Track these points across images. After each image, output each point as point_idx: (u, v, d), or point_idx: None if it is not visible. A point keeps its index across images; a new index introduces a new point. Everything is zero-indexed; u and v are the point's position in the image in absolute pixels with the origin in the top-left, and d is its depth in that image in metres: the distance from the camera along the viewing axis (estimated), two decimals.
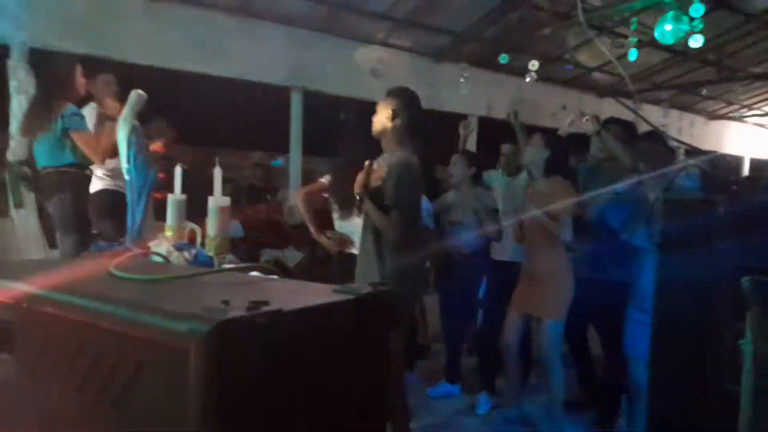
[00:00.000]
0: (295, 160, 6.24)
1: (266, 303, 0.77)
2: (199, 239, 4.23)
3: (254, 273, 2.02)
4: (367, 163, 2.36)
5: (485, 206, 3.56)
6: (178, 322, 0.74)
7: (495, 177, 4.05)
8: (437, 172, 4.91)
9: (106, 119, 3.01)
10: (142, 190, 1.72)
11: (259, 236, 5.84)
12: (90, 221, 2.95)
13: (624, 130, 3.39)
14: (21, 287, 0.97)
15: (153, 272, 1.10)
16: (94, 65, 3.63)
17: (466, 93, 7.19)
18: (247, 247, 5.51)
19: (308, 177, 6.71)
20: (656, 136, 3.51)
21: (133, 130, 1.71)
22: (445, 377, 3.75)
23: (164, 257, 1.32)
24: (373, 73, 6.37)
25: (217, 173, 1.61)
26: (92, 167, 3.34)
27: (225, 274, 1.12)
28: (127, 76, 3.90)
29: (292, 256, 5.64)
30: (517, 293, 3.14)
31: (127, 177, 1.73)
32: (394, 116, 2.50)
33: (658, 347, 2.10)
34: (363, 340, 0.94)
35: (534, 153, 3.13)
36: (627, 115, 5.43)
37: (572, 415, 3.29)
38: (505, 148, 4.28)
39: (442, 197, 3.90)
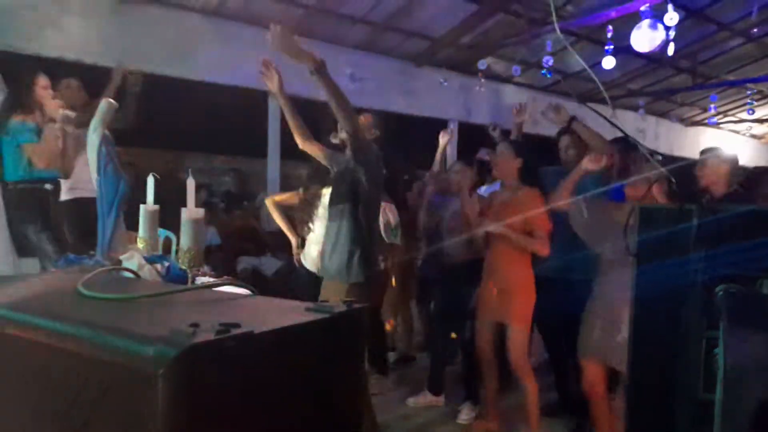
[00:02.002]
0: (272, 164, 6.18)
1: (237, 325, 0.75)
2: (174, 247, 4.17)
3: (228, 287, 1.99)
4: None
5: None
6: (144, 346, 0.71)
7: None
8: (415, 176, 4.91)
9: (48, 122, 2.98)
10: (113, 202, 1.67)
11: (236, 244, 5.77)
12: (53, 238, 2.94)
13: (579, 137, 3.44)
14: None
15: (122, 289, 1.06)
16: (62, 70, 3.55)
17: (444, 98, 7.22)
18: (223, 255, 5.44)
19: (286, 182, 6.68)
20: (626, 142, 3.56)
21: (103, 140, 1.67)
22: (428, 387, 3.73)
23: (135, 273, 1.28)
24: (352, 78, 6.36)
25: (190, 183, 1.57)
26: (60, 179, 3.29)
27: (197, 290, 1.09)
28: (98, 80, 3.83)
29: (270, 264, 5.58)
30: (482, 301, 3.15)
31: (97, 188, 1.69)
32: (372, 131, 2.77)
33: (634, 356, 2.11)
34: (336, 359, 0.92)
35: (504, 164, 3.13)
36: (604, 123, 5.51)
37: (551, 423, 3.31)
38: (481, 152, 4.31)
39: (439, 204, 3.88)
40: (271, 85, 2.77)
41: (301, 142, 2.90)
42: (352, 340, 0.93)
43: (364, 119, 2.83)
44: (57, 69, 3.53)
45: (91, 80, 3.92)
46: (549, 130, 8.47)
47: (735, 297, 1.64)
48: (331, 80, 2.30)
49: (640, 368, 2.18)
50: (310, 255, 3.64)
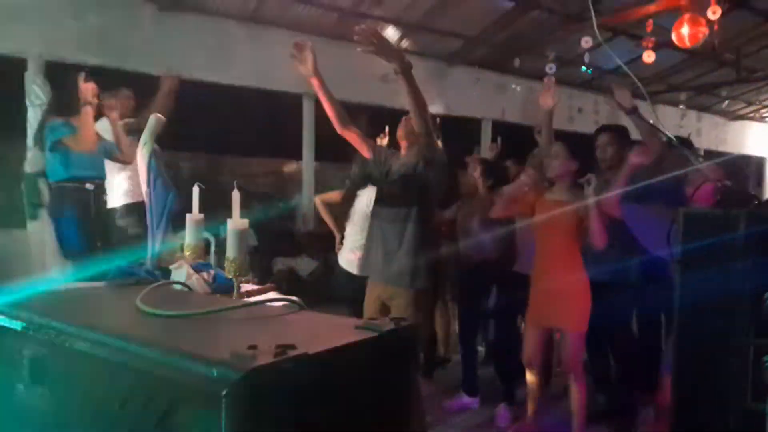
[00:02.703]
0: (308, 166, 6.26)
1: (293, 346, 0.78)
2: (212, 248, 4.26)
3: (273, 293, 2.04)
4: None
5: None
6: (209, 368, 0.75)
7: None
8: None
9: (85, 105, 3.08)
10: (163, 213, 1.74)
11: (272, 245, 5.87)
12: (96, 241, 3.03)
13: (617, 135, 3.36)
14: (52, 322, 0.98)
15: (178, 305, 1.11)
16: (108, 77, 3.66)
17: (478, 96, 7.17)
18: (260, 256, 5.54)
19: (322, 183, 6.74)
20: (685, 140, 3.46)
21: (152, 154, 1.73)
22: (463, 389, 3.73)
23: (186, 285, 1.33)
24: (384, 79, 6.38)
25: (235, 196, 1.62)
26: (107, 181, 3.40)
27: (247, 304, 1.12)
28: (138, 86, 3.95)
29: (306, 265, 5.66)
30: (534, 308, 3.06)
31: (147, 200, 1.75)
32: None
33: (681, 363, 2.08)
34: (386, 377, 0.94)
35: (560, 163, 3.04)
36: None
37: (592, 426, 3.27)
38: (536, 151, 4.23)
39: (462, 203, 3.88)
40: (305, 68, 2.58)
41: (339, 128, 2.77)
42: (401, 358, 0.95)
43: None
44: (100, 76, 3.65)
45: (132, 87, 4.03)
46: (584, 127, 8.35)
47: None
48: (414, 81, 2.30)
49: (685, 375, 2.14)
50: (344, 254, 3.69)
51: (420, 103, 2.33)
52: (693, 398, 2.04)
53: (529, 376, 3.17)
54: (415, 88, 2.29)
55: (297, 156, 6.29)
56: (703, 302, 2.00)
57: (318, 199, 4.02)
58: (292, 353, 0.76)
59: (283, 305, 1.09)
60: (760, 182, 10.91)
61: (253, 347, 0.76)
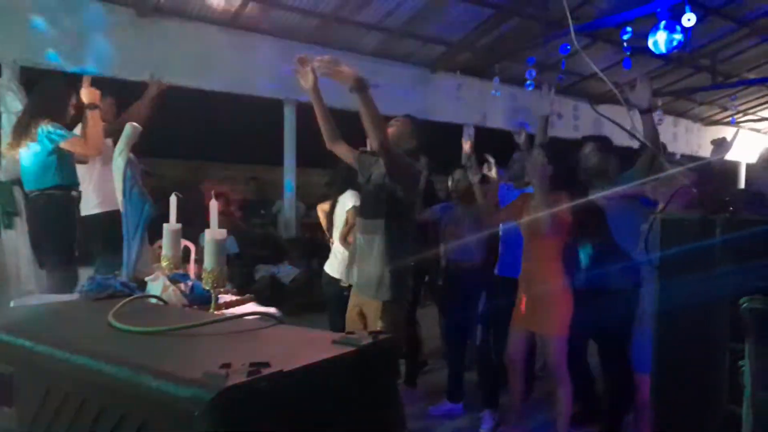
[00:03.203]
0: (289, 172, 6.23)
1: (267, 364, 0.76)
2: (193, 256, 4.21)
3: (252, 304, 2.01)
4: None
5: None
6: (181, 388, 0.73)
7: (504, 190, 4.02)
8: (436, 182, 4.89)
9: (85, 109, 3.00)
10: (139, 224, 1.71)
11: (254, 252, 5.82)
12: (74, 251, 2.96)
13: (601, 144, 3.40)
14: (20, 341, 0.95)
15: (152, 320, 1.08)
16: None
17: (460, 103, 7.21)
18: (241, 263, 5.50)
19: (303, 189, 6.71)
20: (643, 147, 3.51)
21: (128, 163, 1.70)
22: (447, 395, 3.72)
23: (160, 299, 1.31)
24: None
25: (213, 205, 1.60)
26: (82, 188, 3.33)
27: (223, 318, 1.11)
28: (118, 92, 3.89)
29: (287, 272, 5.62)
30: (517, 310, 3.10)
31: (122, 210, 1.72)
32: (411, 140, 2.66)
33: (660, 366, 2.09)
34: (365, 391, 0.93)
35: (538, 168, 3.06)
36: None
37: (576, 430, 3.28)
38: (515, 156, 4.26)
39: (444, 209, 3.88)
40: (305, 82, 2.65)
41: (329, 143, 2.82)
42: (380, 371, 0.94)
43: (401, 125, 2.68)
44: (77, 82, 3.59)
45: (112, 93, 3.98)
46: (564, 132, 8.44)
47: (760, 314, 1.62)
48: (368, 100, 2.30)
49: (664, 380, 2.16)
50: (330, 260, 3.67)
51: (375, 122, 2.33)
52: (672, 402, 2.06)
53: (512, 380, 3.19)
54: (369, 107, 2.29)
55: (278, 162, 6.26)
56: (681, 307, 2.02)
57: (319, 208, 4.01)
58: (266, 371, 0.75)
59: (261, 319, 1.07)
60: (734, 186, 11.10)
61: (226, 366, 0.75)
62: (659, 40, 5.02)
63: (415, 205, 2.71)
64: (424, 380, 4.18)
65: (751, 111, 10.40)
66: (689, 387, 2.02)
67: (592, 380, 3.46)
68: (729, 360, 1.95)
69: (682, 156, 10.20)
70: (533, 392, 3.65)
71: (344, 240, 3.58)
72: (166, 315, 1.17)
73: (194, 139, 6.41)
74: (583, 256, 3.33)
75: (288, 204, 6.30)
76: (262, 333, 0.99)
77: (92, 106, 2.97)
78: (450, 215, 3.77)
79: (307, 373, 0.81)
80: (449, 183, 3.88)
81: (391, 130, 2.61)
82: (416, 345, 4.18)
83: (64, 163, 3.08)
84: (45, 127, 2.95)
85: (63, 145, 2.92)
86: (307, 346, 0.93)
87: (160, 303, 1.27)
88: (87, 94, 2.98)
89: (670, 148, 9.93)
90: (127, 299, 1.13)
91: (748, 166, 11.60)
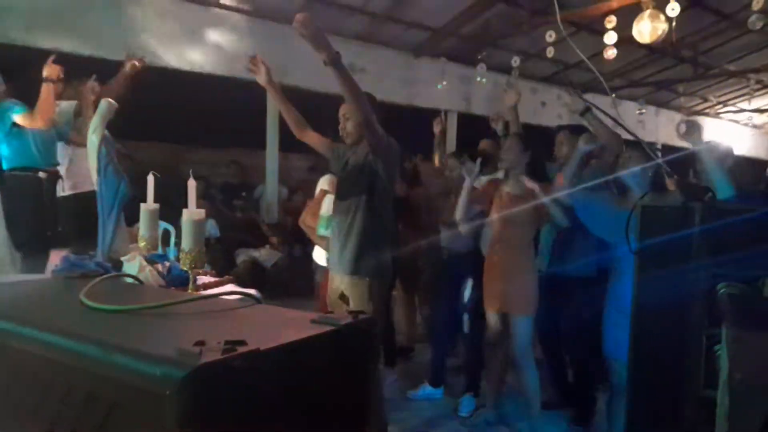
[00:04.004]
0: (272, 156, 6.16)
1: (242, 342, 0.74)
2: (173, 239, 4.14)
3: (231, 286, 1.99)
4: None
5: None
6: (152, 366, 0.71)
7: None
8: (418, 164, 4.87)
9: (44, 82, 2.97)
10: (114, 203, 1.66)
11: (235, 236, 5.77)
12: (48, 232, 2.92)
13: (573, 133, 3.43)
14: None
15: (126, 299, 1.06)
16: (63, 61, 3.50)
17: (444, 88, 7.18)
18: (222, 247, 5.44)
19: (285, 174, 6.66)
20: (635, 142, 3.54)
21: (103, 141, 1.65)
22: (428, 379, 3.74)
23: (136, 278, 1.28)
24: (351, 68, 6.32)
25: (191, 185, 1.56)
26: (60, 168, 3.26)
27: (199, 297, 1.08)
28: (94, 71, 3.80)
29: (269, 256, 5.58)
30: (487, 292, 3.15)
31: (97, 189, 1.67)
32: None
33: (637, 352, 2.11)
34: (345, 370, 0.92)
35: (513, 157, 3.10)
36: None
37: (549, 415, 3.33)
38: (484, 144, 4.27)
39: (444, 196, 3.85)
40: (260, 78, 2.77)
41: (297, 133, 2.85)
42: (360, 351, 0.93)
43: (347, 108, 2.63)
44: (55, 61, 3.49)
45: (89, 71, 3.88)
46: (548, 120, 8.46)
47: (737, 299, 1.64)
48: (346, 71, 2.26)
49: (641, 365, 2.19)
50: (317, 249, 3.65)
51: (354, 93, 2.30)
52: (649, 387, 2.08)
53: (489, 363, 3.23)
54: (347, 78, 2.26)
55: (261, 146, 6.18)
56: (659, 293, 2.04)
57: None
58: (241, 350, 0.73)
59: (239, 299, 1.05)
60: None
61: (200, 343, 0.73)
62: (643, 29, 5.03)
63: (394, 181, 2.71)
64: (407, 364, 4.22)
65: (731, 102, 10.54)
66: (665, 372, 2.04)
67: (564, 365, 3.51)
68: (705, 345, 1.98)
69: (663, 146, 10.33)
70: (509, 375, 3.68)
71: (303, 222, 3.53)
72: (140, 294, 1.14)
73: (174, 121, 6.30)
74: (546, 241, 3.37)
75: (270, 188, 6.24)
76: (240, 312, 0.97)
77: (47, 80, 2.94)
78: (447, 203, 3.76)
79: (285, 353, 0.79)
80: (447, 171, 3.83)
81: (349, 125, 2.60)
82: (391, 326, 4.20)
83: (27, 141, 3.03)
84: (5, 104, 2.91)
85: (17, 119, 2.89)
86: (286, 325, 0.91)
87: (136, 282, 1.24)
88: (47, 69, 2.94)
89: (651, 138, 10.04)
90: (101, 277, 1.10)
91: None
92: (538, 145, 3.65)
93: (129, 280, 1.26)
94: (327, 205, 3.38)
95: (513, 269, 3.03)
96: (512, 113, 3.87)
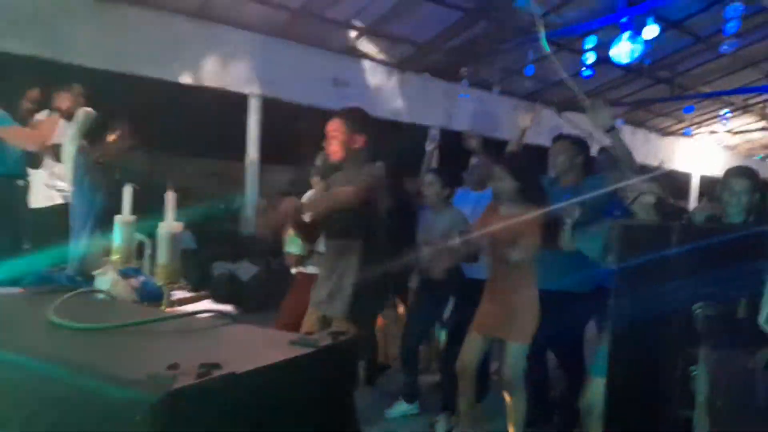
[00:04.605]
0: (252, 167, 6.11)
1: (218, 366, 0.72)
2: (148, 251, 4.06)
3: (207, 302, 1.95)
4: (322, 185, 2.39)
5: (457, 228, 3.52)
6: (122, 390, 0.68)
7: (462, 194, 4.02)
8: (406, 183, 4.85)
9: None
10: (88, 216, 1.62)
11: (212, 248, 5.68)
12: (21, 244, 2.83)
13: (572, 144, 3.44)
14: None
15: (97, 316, 1.02)
16: (42, 69, 3.44)
17: (427, 104, 7.23)
18: (199, 259, 5.35)
19: (266, 186, 6.60)
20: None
21: (80, 151, 1.61)
22: (402, 396, 3.70)
23: (108, 294, 1.24)
24: (335, 82, 6.33)
25: (170, 197, 1.53)
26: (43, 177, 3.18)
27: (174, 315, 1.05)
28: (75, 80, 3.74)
29: (247, 269, 5.51)
30: (481, 314, 3.08)
31: (72, 200, 1.63)
32: (355, 136, 2.50)
33: (615, 371, 2.12)
34: (323, 393, 0.89)
35: (502, 186, 3.07)
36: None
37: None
38: (474, 161, 4.28)
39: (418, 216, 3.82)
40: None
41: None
42: (338, 373, 0.91)
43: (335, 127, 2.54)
44: (31, 68, 3.43)
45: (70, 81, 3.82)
46: (533, 137, 8.54)
47: (713, 320, 1.66)
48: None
49: (619, 384, 2.20)
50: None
51: (334, 204, 2.38)
52: (626, 406, 2.09)
53: (463, 384, 3.17)
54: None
55: (241, 157, 6.13)
56: (637, 312, 2.05)
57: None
58: (216, 373, 0.70)
59: (215, 317, 1.02)
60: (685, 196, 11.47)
61: (173, 366, 0.70)
62: (621, 51, 5.14)
63: (384, 220, 2.65)
64: (384, 380, 4.17)
65: (705, 123, 10.78)
66: (641, 391, 2.05)
67: (548, 383, 3.50)
68: (681, 365, 2.00)
69: (642, 166, 10.50)
70: (487, 395, 3.66)
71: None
72: (112, 311, 1.11)
73: (154, 131, 6.22)
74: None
75: (250, 200, 6.19)
76: (216, 332, 0.94)
77: (58, 110, 2.85)
78: (422, 221, 3.73)
79: (261, 375, 0.77)
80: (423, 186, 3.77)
81: (333, 143, 2.51)
82: (375, 346, 4.16)
83: (7, 149, 2.94)
84: None
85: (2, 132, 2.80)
86: (263, 346, 0.88)
87: (107, 298, 1.20)
88: (60, 99, 2.85)
89: None
90: (72, 293, 1.06)
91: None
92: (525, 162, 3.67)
93: (101, 295, 1.22)
94: None
95: (512, 295, 2.97)
96: (520, 134, 3.93)
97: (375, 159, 2.58)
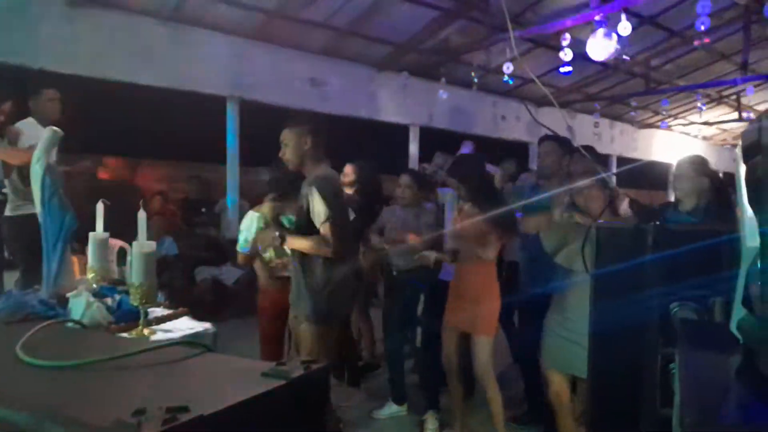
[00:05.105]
0: (232, 171, 6.07)
1: (185, 409, 0.71)
2: (129, 258, 4.00)
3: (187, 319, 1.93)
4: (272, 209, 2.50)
5: (424, 224, 3.57)
6: None
7: (445, 193, 4.05)
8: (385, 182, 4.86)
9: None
10: (59, 236, 1.59)
11: (195, 253, 5.63)
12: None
13: (560, 145, 3.50)
14: None
15: (66, 348, 1.00)
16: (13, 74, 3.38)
17: (406, 103, 7.23)
18: (181, 265, 5.31)
19: (247, 189, 6.55)
20: (590, 148, 3.63)
21: (47, 171, 1.58)
22: (391, 398, 3.72)
23: (79, 323, 1.22)
24: (313, 83, 6.30)
25: (142, 216, 1.51)
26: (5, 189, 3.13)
27: (149, 347, 1.03)
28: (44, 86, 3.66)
29: (230, 273, 5.47)
30: (449, 310, 3.18)
31: (41, 221, 1.60)
32: (306, 140, 2.59)
33: (596, 372, 2.14)
34: (296, 425, 0.89)
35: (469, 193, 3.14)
36: (559, 126, 5.50)
37: (517, 429, 3.36)
38: (439, 159, 4.32)
39: (387, 212, 3.86)
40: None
41: None
42: (313, 402, 0.90)
43: (289, 133, 2.63)
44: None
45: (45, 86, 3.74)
46: (507, 133, 8.59)
47: (690, 322, 1.68)
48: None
49: (600, 384, 2.22)
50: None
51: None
52: (608, 407, 2.11)
53: (450, 381, 3.23)
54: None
55: (221, 160, 6.08)
56: (615, 313, 2.07)
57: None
58: (183, 418, 0.69)
59: (186, 348, 1.00)
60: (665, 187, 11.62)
61: (139, 412, 0.69)
62: (596, 47, 5.18)
63: (347, 223, 2.73)
64: (371, 382, 4.18)
65: (681, 115, 10.93)
66: (622, 391, 2.08)
67: (540, 382, 3.53)
68: (660, 364, 2.03)
69: (618, 158, 10.63)
70: (474, 392, 3.69)
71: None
72: (84, 343, 1.09)
73: (131, 136, 6.15)
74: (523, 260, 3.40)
75: (231, 204, 6.14)
76: (187, 365, 0.93)
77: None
78: (393, 218, 3.76)
79: (231, 415, 0.76)
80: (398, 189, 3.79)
81: (287, 152, 2.62)
82: (354, 345, 4.17)
83: None
84: None
85: None
86: (234, 380, 0.87)
87: (78, 328, 1.18)
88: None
89: (608, 151, 10.32)
90: (40, 325, 1.04)
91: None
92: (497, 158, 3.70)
93: (71, 325, 1.20)
94: (247, 221, 3.33)
95: (474, 288, 3.06)
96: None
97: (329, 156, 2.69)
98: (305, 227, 2.54)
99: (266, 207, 3.28)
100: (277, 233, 2.55)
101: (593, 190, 2.74)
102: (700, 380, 1.58)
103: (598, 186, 2.78)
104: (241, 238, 3.34)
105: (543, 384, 3.49)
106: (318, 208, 2.47)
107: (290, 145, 2.59)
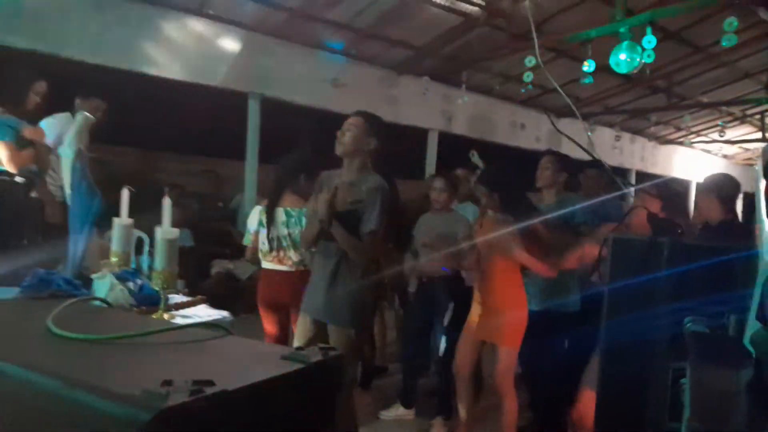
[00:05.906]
0: (251, 167, 6.12)
1: (210, 382, 0.74)
2: (146, 248, 4.07)
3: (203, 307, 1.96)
4: (334, 186, 2.39)
5: (455, 232, 3.55)
6: (116, 406, 0.70)
7: (464, 206, 4.08)
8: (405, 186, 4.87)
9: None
10: (86, 219, 1.64)
11: (210, 247, 5.70)
12: (20, 239, 2.82)
13: (557, 160, 3.49)
14: None
15: (93, 324, 1.04)
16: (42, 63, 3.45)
17: (425, 107, 7.25)
18: (196, 257, 5.37)
19: (264, 186, 6.61)
20: (599, 164, 3.63)
21: (77, 155, 1.63)
22: (400, 400, 3.72)
23: (105, 301, 1.26)
24: (335, 84, 6.34)
25: (167, 204, 1.55)
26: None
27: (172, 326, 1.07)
28: (74, 75, 3.74)
29: (244, 268, 5.52)
30: (471, 320, 3.15)
31: (70, 204, 1.64)
32: (369, 138, 2.51)
33: (605, 384, 2.14)
34: (313, 409, 0.91)
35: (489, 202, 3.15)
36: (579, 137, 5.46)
37: None
38: (459, 173, 4.32)
39: (422, 219, 3.84)
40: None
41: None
42: (330, 388, 0.93)
43: (354, 126, 2.51)
44: (33, 62, 3.43)
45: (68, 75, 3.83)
46: (526, 143, 8.57)
47: (701, 336, 1.68)
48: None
49: (608, 394, 2.22)
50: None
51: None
52: (616, 420, 2.11)
53: (460, 388, 3.23)
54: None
55: (239, 156, 6.14)
56: (627, 327, 2.07)
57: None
58: (209, 390, 0.72)
59: (209, 329, 1.04)
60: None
61: (167, 383, 0.72)
62: (620, 60, 5.16)
63: (382, 237, 2.67)
64: (380, 384, 4.19)
65: (703, 132, 10.83)
66: (633, 405, 2.08)
67: (546, 393, 3.51)
68: (671, 378, 2.02)
69: (637, 173, 10.55)
70: (481, 400, 3.69)
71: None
72: (109, 320, 1.13)
73: (151, 128, 6.23)
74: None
75: (249, 199, 6.19)
76: (210, 345, 0.96)
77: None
78: (424, 224, 3.75)
79: (253, 392, 0.79)
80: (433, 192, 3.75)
81: (347, 135, 2.51)
82: (373, 349, 4.18)
83: None
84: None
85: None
86: (255, 361, 0.90)
87: (105, 306, 1.22)
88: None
89: (627, 165, 10.25)
90: (70, 301, 1.08)
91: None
92: (515, 169, 3.71)
93: (98, 303, 1.24)
94: (253, 216, 3.32)
95: (501, 298, 3.02)
96: None
97: (379, 170, 2.59)
98: (344, 218, 2.43)
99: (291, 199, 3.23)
100: (326, 209, 2.35)
101: None
102: (710, 392, 1.58)
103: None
104: (247, 232, 3.36)
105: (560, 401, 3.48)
106: (372, 216, 2.40)
107: (355, 134, 2.48)
